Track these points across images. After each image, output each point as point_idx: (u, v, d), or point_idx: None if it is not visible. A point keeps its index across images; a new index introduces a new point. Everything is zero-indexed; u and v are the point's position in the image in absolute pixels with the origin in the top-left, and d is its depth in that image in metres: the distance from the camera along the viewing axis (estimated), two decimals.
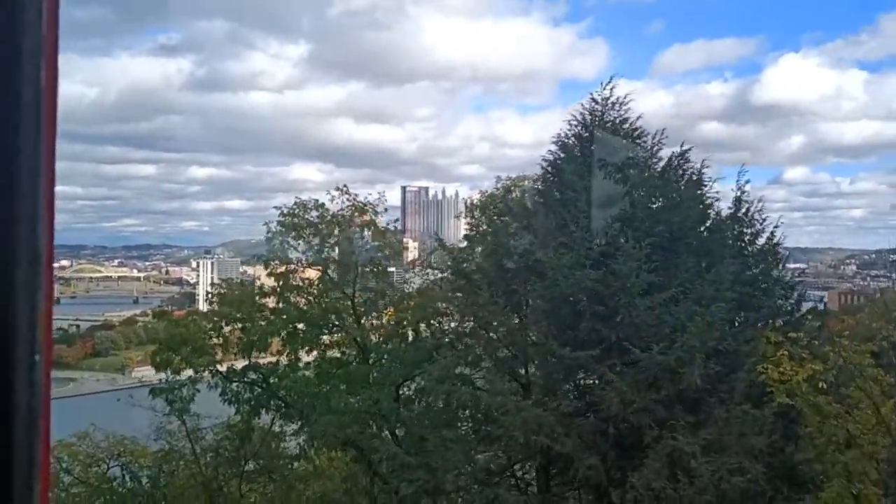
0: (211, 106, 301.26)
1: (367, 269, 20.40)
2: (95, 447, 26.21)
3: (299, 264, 21.09)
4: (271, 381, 21.02)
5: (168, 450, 23.77)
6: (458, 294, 16.15)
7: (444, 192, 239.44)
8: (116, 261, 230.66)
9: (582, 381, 14.10)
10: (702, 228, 15.00)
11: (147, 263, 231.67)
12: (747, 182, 16.09)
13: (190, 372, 20.35)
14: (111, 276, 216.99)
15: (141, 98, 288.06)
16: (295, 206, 19.94)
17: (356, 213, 20.12)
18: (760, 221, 15.88)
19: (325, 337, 20.86)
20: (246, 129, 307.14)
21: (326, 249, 20.42)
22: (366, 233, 20.30)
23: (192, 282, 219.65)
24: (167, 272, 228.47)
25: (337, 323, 20.51)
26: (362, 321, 20.31)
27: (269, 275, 20.74)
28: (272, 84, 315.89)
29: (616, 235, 14.02)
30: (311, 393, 20.00)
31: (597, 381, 13.66)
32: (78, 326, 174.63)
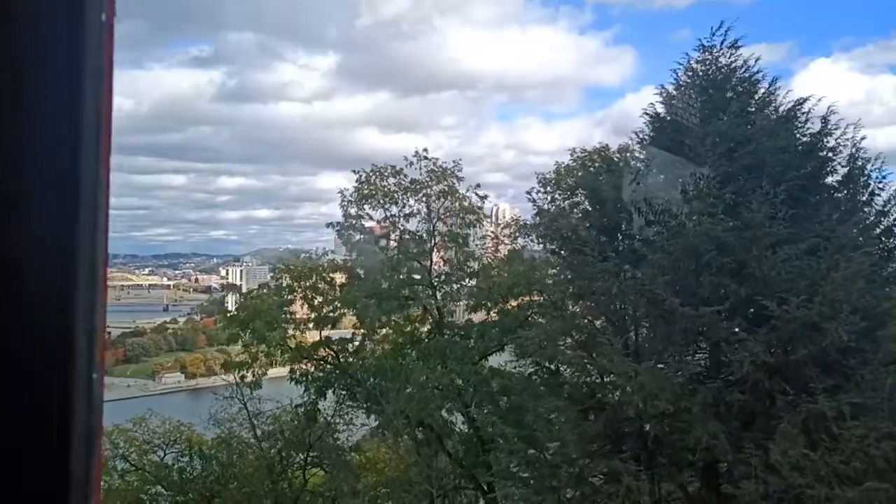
0: (241, 117, 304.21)
1: (446, 240, 19.37)
2: (151, 433, 25.48)
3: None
4: (342, 359, 20.11)
5: (227, 435, 22.97)
6: (559, 254, 15.05)
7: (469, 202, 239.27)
8: (147, 269, 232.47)
9: (705, 343, 12.88)
10: (834, 178, 13.79)
11: (177, 272, 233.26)
12: (863, 139, 14.91)
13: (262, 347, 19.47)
14: (142, 285, 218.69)
15: (173, 109, 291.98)
16: (371, 173, 19.05)
17: (434, 180, 19.15)
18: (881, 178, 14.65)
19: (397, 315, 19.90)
20: (274, 139, 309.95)
21: (402, 218, 19.43)
22: (444, 201, 19.26)
23: (220, 290, 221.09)
24: (196, 280, 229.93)
25: (412, 297, 19.54)
26: (438, 294, 19.32)
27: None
28: (301, 94, 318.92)
29: (743, 184, 12.88)
30: (385, 369, 19.06)
31: (723, 342, 12.46)
32: (109, 334, 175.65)
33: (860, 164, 14.64)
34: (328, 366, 20.25)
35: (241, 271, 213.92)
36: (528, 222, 19.53)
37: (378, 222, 19.49)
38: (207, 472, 18.87)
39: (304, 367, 20.39)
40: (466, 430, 19.70)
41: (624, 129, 19.54)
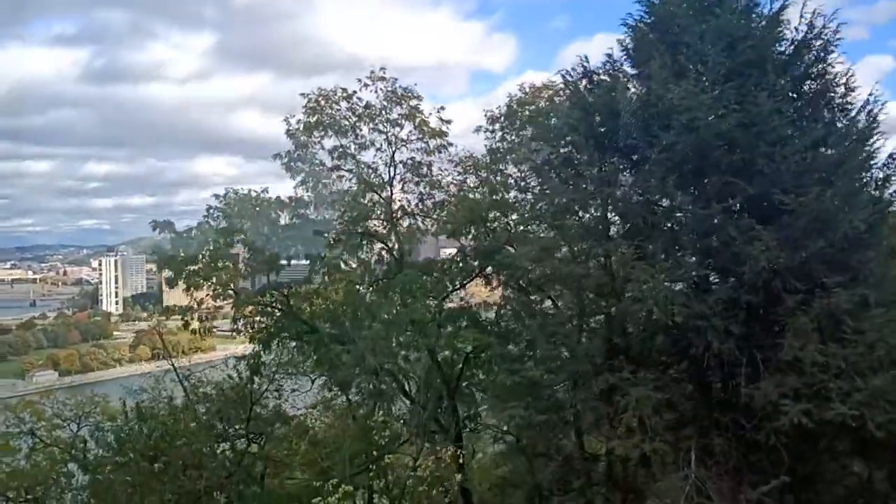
0: (110, 98, 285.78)
1: (407, 171, 18.00)
2: (62, 405, 22.74)
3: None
4: (292, 303, 18.44)
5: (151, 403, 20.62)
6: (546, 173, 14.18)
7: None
8: (9, 263, 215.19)
9: (716, 243, 12.38)
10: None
11: (43, 265, 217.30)
12: None
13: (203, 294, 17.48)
14: (4, 280, 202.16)
15: (34, 90, 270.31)
16: (320, 97, 17.42)
17: (393, 103, 17.69)
18: None
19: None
20: (148, 121, 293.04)
21: (357, 148, 17.87)
22: (406, 125, 17.85)
23: (93, 282, 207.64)
24: (65, 273, 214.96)
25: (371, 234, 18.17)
26: (398, 228, 18.02)
27: None
28: (176, 75, 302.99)
29: (745, 80, 12.45)
30: (346, 313, 17.62)
31: (735, 242, 12.01)
32: None
33: None
34: (276, 311, 18.51)
35: (116, 262, 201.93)
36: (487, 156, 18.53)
37: (329, 152, 17.89)
38: (150, 428, 16.73)
39: (246, 314, 18.59)
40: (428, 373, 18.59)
41: None
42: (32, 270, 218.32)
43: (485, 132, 20.11)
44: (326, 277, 18.07)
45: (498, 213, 16.73)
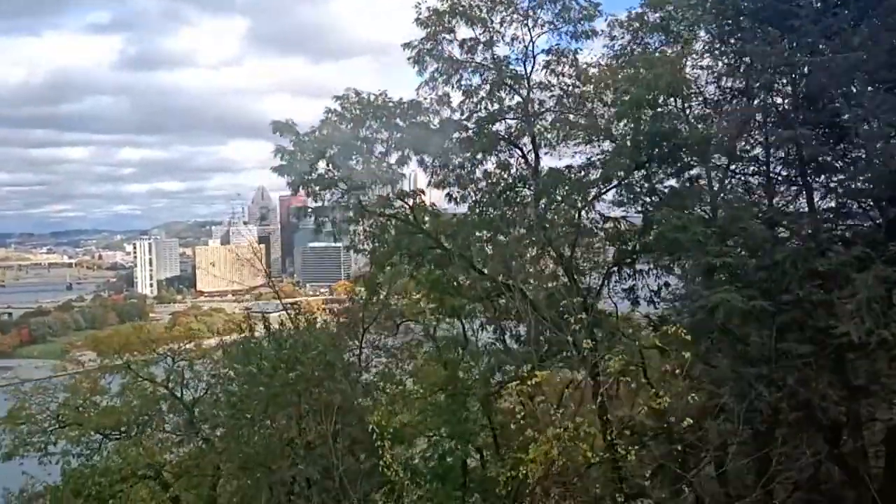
0: (144, 85, 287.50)
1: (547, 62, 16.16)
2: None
3: None
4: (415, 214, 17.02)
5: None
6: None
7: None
8: (45, 248, 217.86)
9: None
10: None
11: (78, 249, 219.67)
12: None
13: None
14: (41, 263, 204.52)
15: (70, 78, 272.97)
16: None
17: None
18: None
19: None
20: (181, 107, 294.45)
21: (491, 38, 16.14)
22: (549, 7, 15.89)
23: (127, 265, 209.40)
24: (100, 257, 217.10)
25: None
26: (534, 128, 16.36)
27: None
28: (208, 61, 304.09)
29: None
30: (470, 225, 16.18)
31: None
32: (10, 314, 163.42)
33: None
34: (398, 222, 17.07)
35: (150, 245, 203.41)
36: None
37: (461, 44, 16.25)
38: (283, 338, 15.36)
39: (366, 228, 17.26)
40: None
41: None
42: (68, 255, 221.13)
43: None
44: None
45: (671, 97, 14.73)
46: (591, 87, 15.63)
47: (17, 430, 19.03)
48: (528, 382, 10.55)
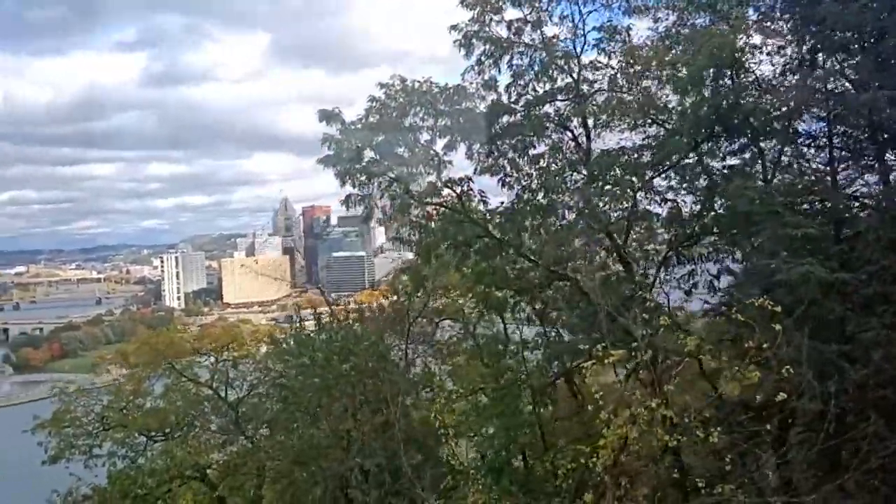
0: (169, 101, 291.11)
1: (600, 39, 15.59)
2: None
3: None
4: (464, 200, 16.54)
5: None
6: None
7: None
8: (74, 264, 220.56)
9: None
10: None
11: (106, 265, 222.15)
12: None
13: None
14: (70, 279, 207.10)
15: (97, 96, 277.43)
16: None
17: None
18: None
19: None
20: (205, 122, 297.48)
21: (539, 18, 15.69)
22: None
23: (155, 279, 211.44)
24: (128, 272, 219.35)
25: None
26: (586, 109, 15.85)
27: None
28: (230, 75, 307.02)
29: None
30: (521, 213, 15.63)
31: None
32: (41, 330, 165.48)
33: None
34: (445, 210, 16.60)
35: (177, 258, 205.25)
36: None
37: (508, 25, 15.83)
38: (334, 331, 15.04)
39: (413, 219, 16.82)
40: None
41: None
42: (97, 270, 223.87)
43: None
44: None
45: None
46: (645, 63, 15.03)
47: (63, 434, 18.92)
48: (605, 362, 9.93)
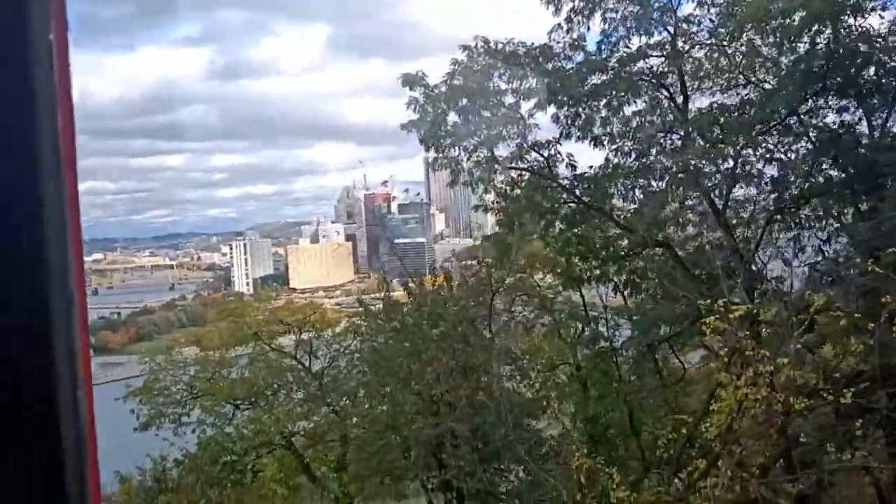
0: (232, 94, 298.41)
1: None
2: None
3: None
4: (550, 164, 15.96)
5: None
6: None
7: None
8: (147, 251, 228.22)
9: None
10: None
11: (178, 252, 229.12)
12: None
13: None
14: (144, 266, 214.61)
15: (165, 90, 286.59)
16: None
17: None
18: None
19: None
20: (268, 114, 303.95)
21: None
22: None
23: (224, 266, 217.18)
24: (198, 258, 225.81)
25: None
26: (683, 66, 15.00)
27: None
28: (292, 68, 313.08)
29: None
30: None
31: None
32: (119, 314, 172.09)
33: None
34: (532, 176, 16.05)
35: (245, 245, 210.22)
36: None
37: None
38: (423, 294, 14.75)
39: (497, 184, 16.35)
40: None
41: None
42: (169, 257, 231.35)
43: None
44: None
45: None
46: (751, 14, 14.08)
47: (153, 402, 19.31)
48: (731, 315, 9.27)
